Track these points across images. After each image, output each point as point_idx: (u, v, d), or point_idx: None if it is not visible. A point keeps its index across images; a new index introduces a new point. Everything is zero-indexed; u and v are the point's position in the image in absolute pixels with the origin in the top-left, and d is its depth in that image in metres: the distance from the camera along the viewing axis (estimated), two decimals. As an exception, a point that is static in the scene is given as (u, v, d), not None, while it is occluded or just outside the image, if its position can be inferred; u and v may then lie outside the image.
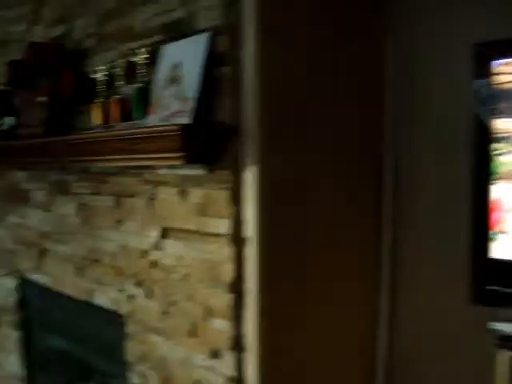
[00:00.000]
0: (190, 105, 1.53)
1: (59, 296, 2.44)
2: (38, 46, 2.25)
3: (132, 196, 1.92)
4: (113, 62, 1.92)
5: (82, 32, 2.15)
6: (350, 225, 1.82)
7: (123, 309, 2.01)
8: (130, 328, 1.99)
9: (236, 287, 1.59)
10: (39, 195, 2.50)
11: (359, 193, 1.85)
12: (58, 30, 2.28)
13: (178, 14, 1.71)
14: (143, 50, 1.77)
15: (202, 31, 1.60)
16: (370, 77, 1.84)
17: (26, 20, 2.53)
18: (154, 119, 1.64)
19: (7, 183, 2.77)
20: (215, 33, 1.56)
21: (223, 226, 1.58)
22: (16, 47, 2.59)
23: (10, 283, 2.83)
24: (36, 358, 2.80)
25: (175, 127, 1.44)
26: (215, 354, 1.66)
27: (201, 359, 1.71)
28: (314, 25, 1.67)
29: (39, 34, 2.40)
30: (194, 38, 1.62)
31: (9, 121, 2.47)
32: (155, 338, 1.88)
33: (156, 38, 1.79)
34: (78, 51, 2.15)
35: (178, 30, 1.71)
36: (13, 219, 2.74)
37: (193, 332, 1.72)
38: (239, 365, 1.62)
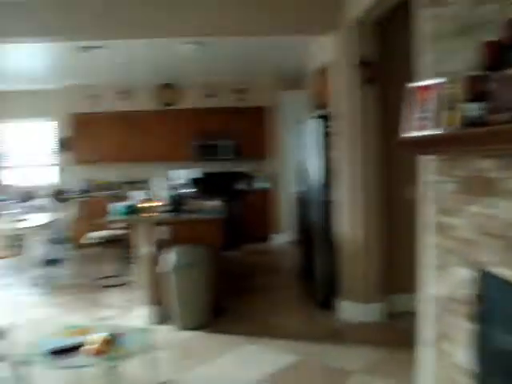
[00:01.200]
0: None
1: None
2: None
3: None
4: None
5: None
6: None
7: None
8: None
9: None
10: (512, 185, 2.33)
11: None
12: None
13: None
14: None
15: None
16: None
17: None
18: None
19: (470, 172, 2.68)
20: None
21: None
22: (486, 29, 2.48)
23: (465, 274, 2.76)
24: (490, 357, 2.65)
25: None
26: None
27: None
28: None
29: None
30: None
31: (475, 107, 2.38)
32: None
33: None
34: None
35: None
36: (475, 209, 2.64)
37: None
38: None
